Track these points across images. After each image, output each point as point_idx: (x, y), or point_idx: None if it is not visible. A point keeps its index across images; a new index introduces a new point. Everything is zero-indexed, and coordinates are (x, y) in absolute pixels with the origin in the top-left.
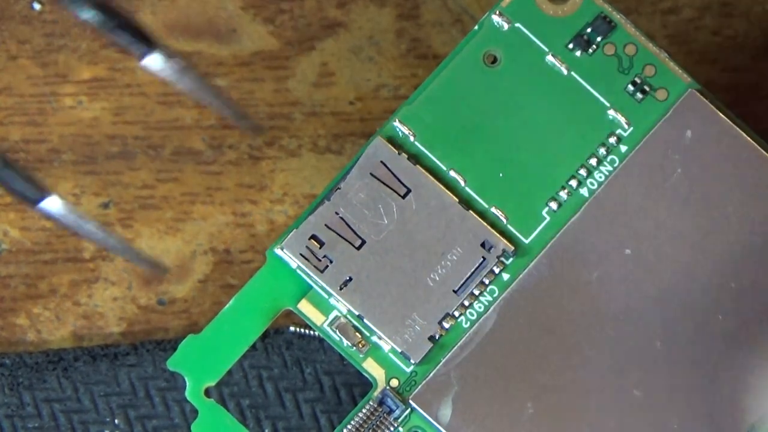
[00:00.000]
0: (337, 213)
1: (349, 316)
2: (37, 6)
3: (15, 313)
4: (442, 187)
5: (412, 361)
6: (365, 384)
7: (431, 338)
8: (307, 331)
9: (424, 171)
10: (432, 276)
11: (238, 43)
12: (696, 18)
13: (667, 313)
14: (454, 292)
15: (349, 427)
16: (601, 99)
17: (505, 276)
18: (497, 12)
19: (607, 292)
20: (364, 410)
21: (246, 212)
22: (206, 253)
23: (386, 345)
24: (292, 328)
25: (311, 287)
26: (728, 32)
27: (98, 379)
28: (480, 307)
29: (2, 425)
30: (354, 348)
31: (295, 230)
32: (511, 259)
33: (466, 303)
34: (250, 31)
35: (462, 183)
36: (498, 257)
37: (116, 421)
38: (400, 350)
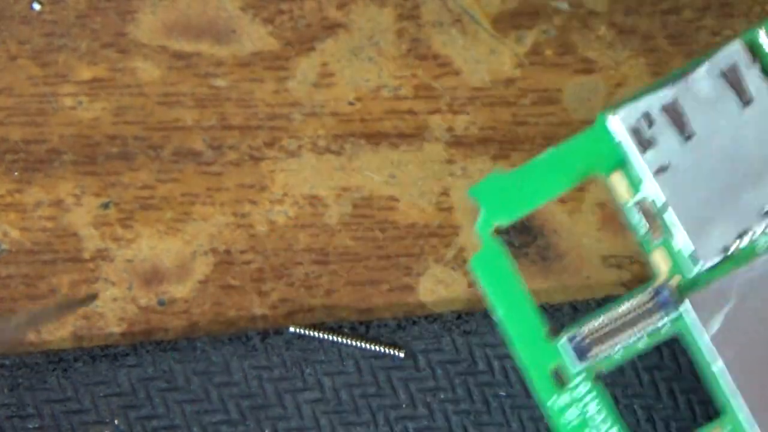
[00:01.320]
0: (677, 99)
1: (655, 202)
2: (37, 6)
3: (15, 314)
4: None
5: (701, 264)
6: (366, 384)
7: (725, 248)
8: (307, 332)
9: None
10: (746, 191)
11: (238, 43)
12: (696, 18)
13: None
14: (764, 211)
15: (619, 309)
16: None
17: None
18: None
19: None
20: (638, 297)
21: (246, 213)
22: (206, 254)
23: (680, 241)
24: (292, 329)
25: (628, 163)
26: (728, 32)
27: (98, 380)
28: (762, 241)
29: (3, 426)
30: (649, 234)
31: (632, 103)
32: None
33: None
34: (249, 31)
35: None
36: None
37: (116, 421)
38: (692, 249)
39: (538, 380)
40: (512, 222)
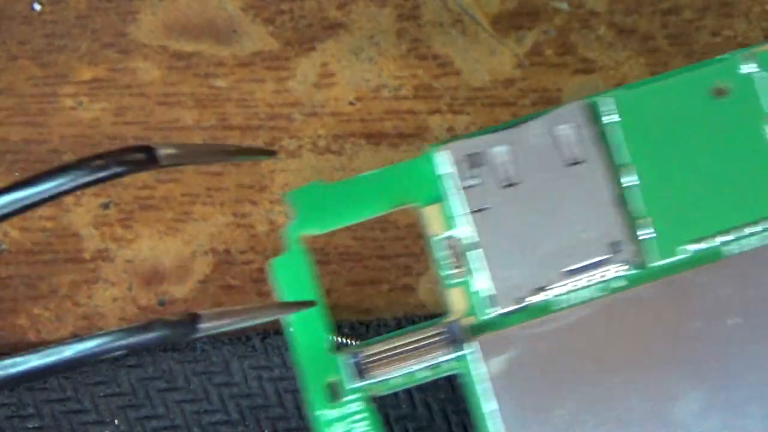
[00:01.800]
0: (507, 146)
1: (464, 241)
2: (37, 6)
3: (15, 314)
4: (611, 173)
5: (496, 309)
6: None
7: (522, 300)
8: None
9: (604, 151)
10: (554, 246)
11: (238, 43)
12: (696, 18)
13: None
14: (566, 271)
15: (406, 338)
16: None
17: (617, 283)
18: (748, 53)
19: (693, 347)
20: (428, 330)
21: (246, 213)
22: (206, 254)
23: (480, 283)
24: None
25: (446, 198)
26: (728, 32)
27: (98, 380)
28: (579, 297)
29: (3, 426)
30: (452, 271)
31: (464, 139)
32: (630, 271)
33: (570, 286)
34: (250, 31)
35: (635, 182)
36: (621, 262)
37: (116, 421)
38: (492, 293)
39: (312, 389)
40: (321, 233)
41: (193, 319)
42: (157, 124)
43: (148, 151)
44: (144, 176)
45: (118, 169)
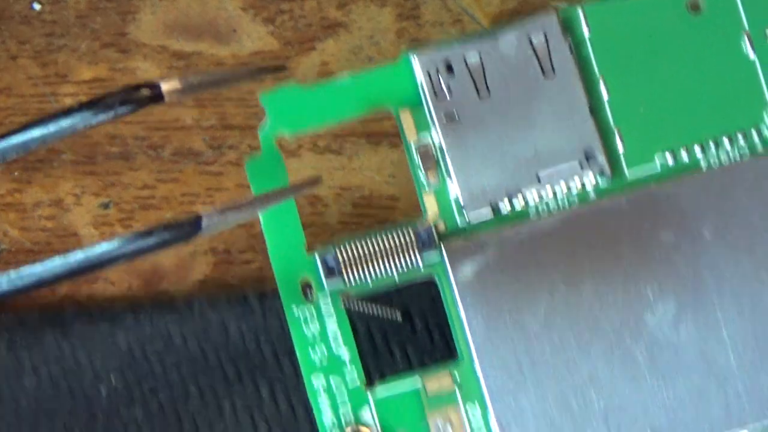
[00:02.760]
0: (481, 56)
1: (437, 148)
2: (37, 6)
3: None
4: (583, 86)
5: (465, 216)
6: (361, 342)
7: (494, 207)
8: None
9: (576, 63)
10: (527, 154)
11: (238, 43)
12: None
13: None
14: (538, 178)
15: (379, 239)
16: (766, 94)
17: (590, 193)
18: None
19: (666, 258)
20: (400, 231)
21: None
22: (206, 254)
23: (453, 191)
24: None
25: (420, 104)
26: None
27: (96, 340)
28: (551, 206)
29: (0, 385)
30: (425, 176)
31: (437, 48)
32: (602, 180)
33: (542, 194)
34: (250, 31)
35: (605, 95)
36: (593, 171)
37: (113, 381)
38: (462, 201)
39: (285, 288)
40: (295, 133)
41: (195, 220)
42: (157, 124)
43: (153, 87)
44: (144, 176)
45: (123, 108)
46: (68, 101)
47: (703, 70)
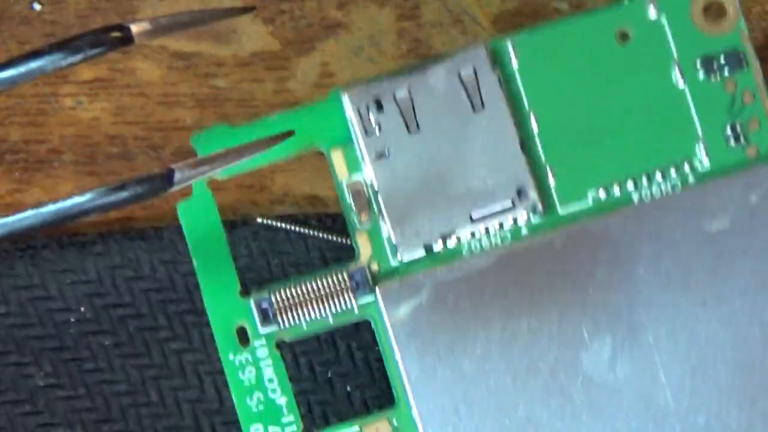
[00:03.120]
0: (410, 91)
1: (368, 187)
2: (37, 6)
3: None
4: (514, 120)
5: (399, 257)
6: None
7: (427, 247)
8: (274, 223)
9: (506, 97)
10: (459, 192)
11: (238, 43)
12: None
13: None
14: (470, 218)
15: (312, 284)
16: (698, 126)
17: (523, 231)
18: None
19: (601, 295)
20: (334, 274)
21: (246, 213)
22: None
23: (385, 231)
24: (259, 220)
25: (351, 142)
26: None
27: (65, 268)
28: (485, 245)
29: None
30: (356, 216)
31: (366, 83)
32: (535, 218)
33: (475, 233)
34: (250, 31)
35: (534, 128)
36: (526, 209)
37: (82, 309)
38: (394, 241)
39: (221, 333)
40: (227, 176)
41: (167, 173)
42: (157, 124)
43: (122, 29)
44: None
45: (94, 50)
46: (68, 102)
47: (634, 102)
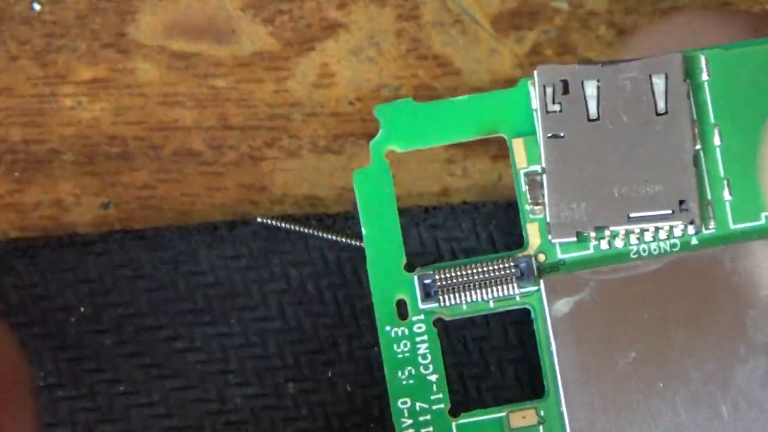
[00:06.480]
0: (599, 80)
1: (541, 174)
2: (37, 6)
3: None
4: (695, 131)
5: (550, 237)
6: (332, 274)
7: (580, 235)
8: (274, 223)
9: (692, 106)
10: (622, 190)
11: (238, 43)
12: None
13: None
14: (628, 217)
15: (479, 266)
16: None
17: (693, 241)
18: None
19: (763, 315)
20: (500, 261)
21: (246, 212)
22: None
23: (547, 215)
24: (259, 219)
25: (534, 134)
26: None
27: (65, 267)
28: (653, 249)
29: None
30: (530, 206)
31: (557, 64)
32: (707, 231)
33: (630, 232)
34: (249, 31)
35: (717, 141)
36: (683, 222)
37: (82, 309)
38: (548, 220)
39: (381, 305)
40: (405, 150)
41: None
42: (157, 124)
43: None
44: (144, 176)
45: None
46: (68, 101)
47: None
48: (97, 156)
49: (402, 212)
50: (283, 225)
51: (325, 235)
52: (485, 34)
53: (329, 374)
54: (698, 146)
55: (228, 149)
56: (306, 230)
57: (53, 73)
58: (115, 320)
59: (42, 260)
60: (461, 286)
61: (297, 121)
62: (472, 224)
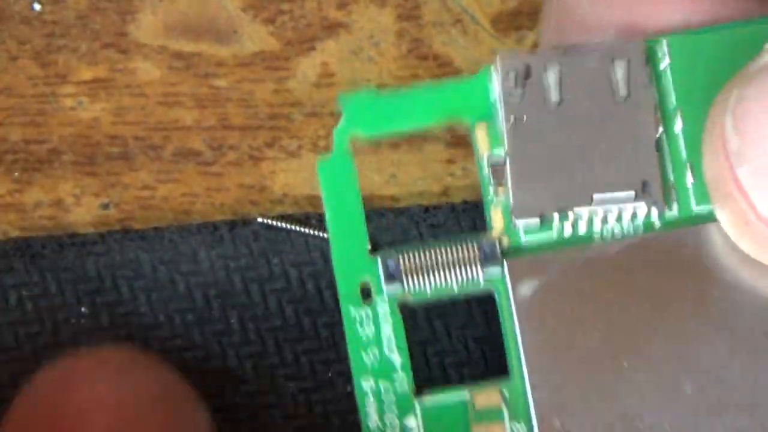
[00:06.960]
0: (560, 65)
1: (504, 159)
2: (37, 6)
3: None
4: (657, 116)
5: (514, 219)
6: (332, 274)
7: (542, 217)
8: (275, 223)
9: (654, 91)
10: (585, 173)
11: (239, 43)
12: None
13: None
14: (591, 199)
15: (441, 249)
16: None
17: (656, 224)
18: None
19: (728, 294)
20: (463, 244)
21: (246, 213)
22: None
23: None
24: (260, 219)
25: (495, 117)
26: None
27: (65, 267)
28: (616, 232)
29: None
30: (494, 191)
31: (518, 49)
32: (669, 214)
33: (594, 215)
34: (250, 31)
35: (679, 126)
36: (647, 203)
37: (82, 308)
38: (511, 204)
39: (344, 288)
40: (369, 137)
41: None
42: (157, 124)
43: None
44: (144, 176)
45: None
46: (68, 102)
47: None
48: (97, 156)
49: (402, 212)
50: (283, 225)
51: (325, 235)
52: (485, 34)
53: (329, 373)
54: (661, 130)
55: (228, 149)
56: (306, 230)
57: (53, 73)
58: (115, 320)
59: (42, 260)
60: (425, 269)
61: (297, 121)
62: (472, 224)
